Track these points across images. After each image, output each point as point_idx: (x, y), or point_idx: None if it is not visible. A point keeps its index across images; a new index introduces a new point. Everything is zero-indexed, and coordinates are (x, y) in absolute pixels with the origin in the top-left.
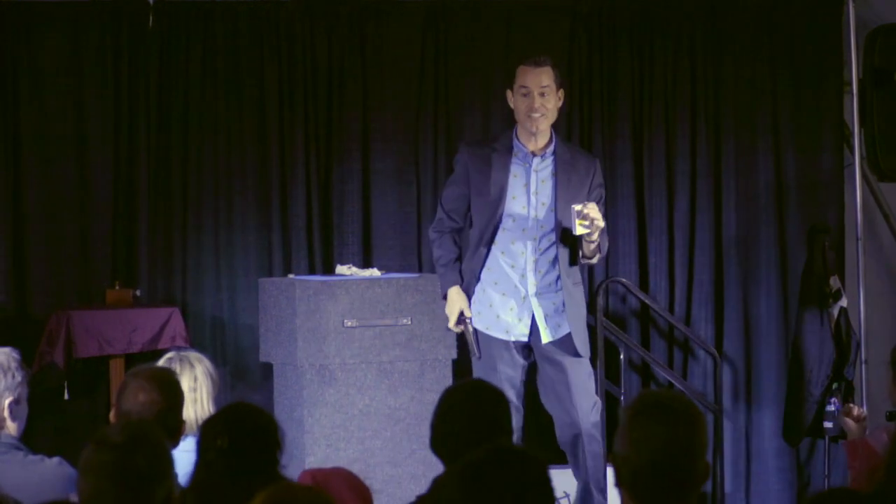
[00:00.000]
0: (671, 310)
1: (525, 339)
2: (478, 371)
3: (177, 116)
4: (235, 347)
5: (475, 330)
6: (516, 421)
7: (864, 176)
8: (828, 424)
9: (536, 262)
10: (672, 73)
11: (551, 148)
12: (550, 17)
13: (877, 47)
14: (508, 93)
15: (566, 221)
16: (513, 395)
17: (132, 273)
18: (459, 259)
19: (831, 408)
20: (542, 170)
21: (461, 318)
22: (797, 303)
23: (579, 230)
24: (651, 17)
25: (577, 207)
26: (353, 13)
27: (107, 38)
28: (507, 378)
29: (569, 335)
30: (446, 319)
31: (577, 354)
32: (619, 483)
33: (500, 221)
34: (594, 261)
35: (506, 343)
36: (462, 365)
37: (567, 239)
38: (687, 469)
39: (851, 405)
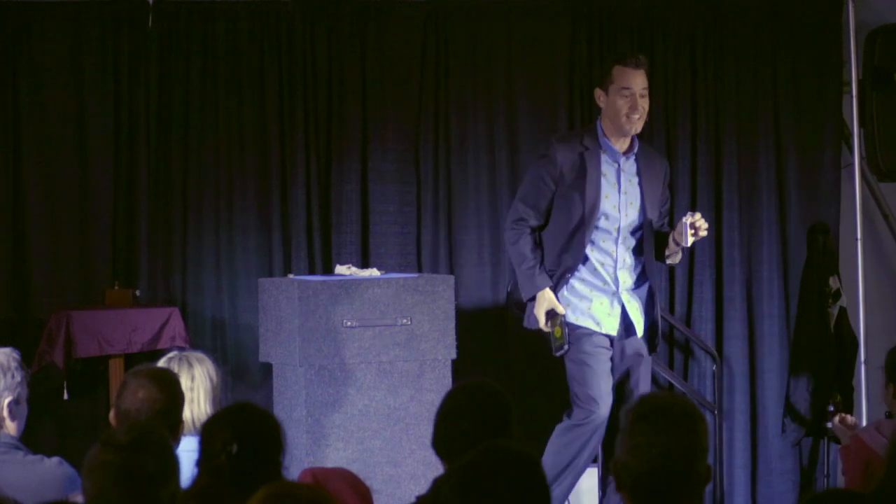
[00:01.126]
0: (671, 310)
1: (615, 332)
2: (571, 364)
3: (177, 116)
4: (235, 347)
5: (567, 323)
6: (603, 413)
7: (863, 176)
8: (828, 425)
9: (626, 259)
10: (672, 72)
11: (635, 148)
12: (551, 17)
13: (877, 47)
14: (599, 91)
15: (652, 221)
16: (609, 384)
17: (132, 273)
18: (543, 261)
19: (831, 408)
20: (629, 169)
21: (552, 314)
22: (797, 303)
23: (690, 241)
24: (651, 17)
25: (688, 220)
26: (354, 13)
27: (107, 38)
28: (604, 370)
29: (648, 330)
30: (446, 316)
31: (651, 349)
32: (619, 488)
33: (597, 220)
34: (677, 261)
35: (598, 335)
36: (462, 365)
37: (650, 238)
38: (688, 473)
39: (844, 415)
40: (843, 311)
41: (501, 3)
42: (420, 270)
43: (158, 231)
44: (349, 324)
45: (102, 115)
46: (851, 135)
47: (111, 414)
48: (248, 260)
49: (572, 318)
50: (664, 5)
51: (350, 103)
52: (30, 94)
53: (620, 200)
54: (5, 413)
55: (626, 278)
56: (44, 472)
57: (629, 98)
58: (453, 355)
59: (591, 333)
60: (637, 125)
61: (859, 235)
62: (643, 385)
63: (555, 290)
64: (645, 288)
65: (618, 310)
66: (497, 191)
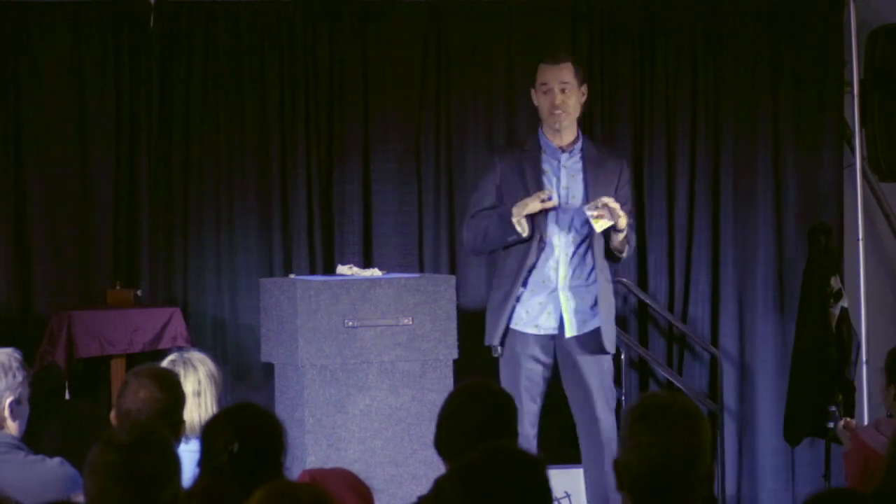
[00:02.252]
0: (671, 309)
1: (553, 332)
2: (503, 367)
3: (178, 117)
4: (236, 347)
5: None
6: (532, 419)
7: (865, 176)
8: (829, 425)
9: (570, 256)
10: (673, 73)
11: (578, 145)
12: (551, 17)
13: (878, 47)
14: (532, 92)
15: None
16: (534, 391)
17: (133, 273)
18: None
19: (832, 408)
20: (571, 165)
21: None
22: (798, 303)
23: (599, 225)
24: (652, 17)
25: (587, 208)
26: (354, 13)
27: (108, 38)
28: (530, 374)
29: (595, 331)
30: (448, 316)
31: (601, 351)
32: (620, 488)
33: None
34: (624, 255)
35: (534, 337)
36: (463, 365)
37: (599, 236)
38: (688, 473)
39: (849, 419)
40: (844, 311)
41: (502, 2)
42: (422, 270)
43: (159, 231)
44: (350, 324)
45: (103, 116)
46: (853, 135)
47: (112, 414)
48: (249, 260)
49: (511, 323)
50: (664, 5)
51: (351, 103)
52: (30, 94)
53: (561, 195)
54: (7, 413)
55: (570, 275)
56: (45, 472)
57: (548, 94)
58: (455, 355)
59: (528, 335)
60: (561, 119)
61: (861, 235)
62: (594, 387)
63: (514, 287)
64: (593, 288)
65: (556, 308)
66: None
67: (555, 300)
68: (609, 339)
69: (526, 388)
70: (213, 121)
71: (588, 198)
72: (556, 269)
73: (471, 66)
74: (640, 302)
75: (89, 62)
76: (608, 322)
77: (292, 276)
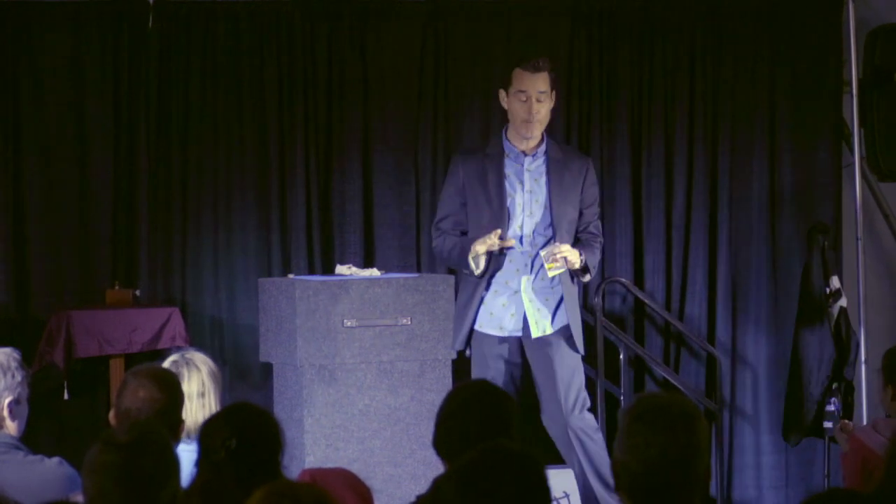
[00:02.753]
0: (668, 308)
1: (518, 333)
2: (473, 368)
3: (177, 117)
4: (235, 347)
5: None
6: None
7: (864, 176)
8: (827, 424)
9: (532, 258)
10: (671, 73)
11: (542, 147)
12: (550, 17)
13: (877, 47)
14: (501, 92)
15: (562, 221)
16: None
17: (132, 273)
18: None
19: (831, 408)
20: (535, 169)
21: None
22: (796, 302)
23: (553, 273)
24: (651, 17)
25: (544, 257)
26: (354, 13)
27: (107, 38)
28: (498, 375)
29: (560, 331)
30: (447, 316)
31: (569, 350)
32: (618, 488)
33: (508, 221)
34: (586, 279)
35: (500, 339)
36: (462, 365)
37: (566, 238)
38: (686, 473)
39: (846, 421)
40: (843, 310)
41: (501, 2)
42: (420, 270)
43: (158, 231)
44: (349, 324)
45: (102, 115)
46: (851, 134)
47: (111, 414)
48: (247, 260)
49: (476, 325)
50: (664, 5)
51: (350, 103)
52: (30, 93)
53: (525, 199)
54: (5, 413)
55: (533, 277)
56: (44, 472)
57: (525, 102)
58: (454, 355)
59: (494, 337)
60: (534, 129)
61: (860, 235)
62: (562, 385)
63: (476, 295)
64: (557, 289)
65: (519, 309)
66: None
67: (517, 302)
68: (578, 339)
69: None
70: (212, 120)
71: (551, 201)
72: (519, 272)
73: (470, 66)
74: (637, 301)
75: (88, 62)
76: (575, 322)
77: (291, 275)
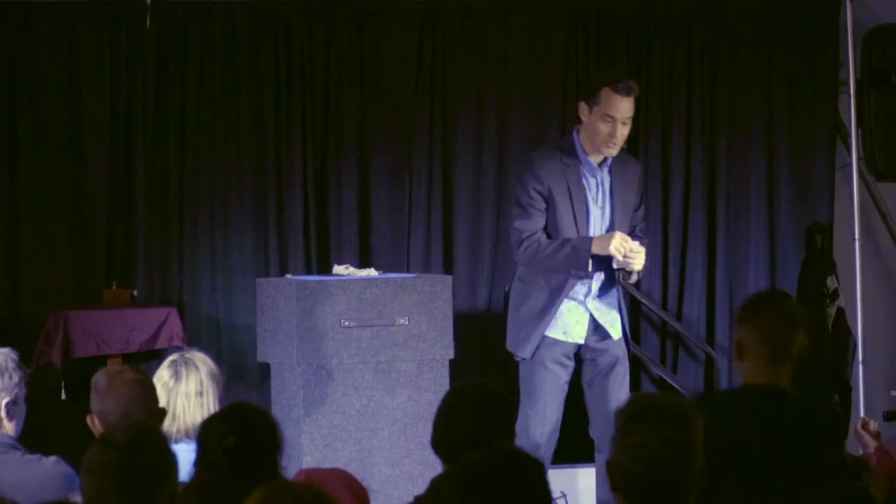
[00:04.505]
0: (664, 306)
1: (582, 340)
2: (524, 370)
3: (174, 116)
4: (232, 347)
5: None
6: (553, 420)
7: (861, 176)
8: None
9: (595, 266)
10: (669, 73)
11: (609, 160)
12: (548, 16)
13: (874, 47)
14: (582, 105)
15: (622, 230)
16: (560, 397)
17: (129, 273)
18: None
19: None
20: (605, 182)
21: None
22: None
23: (635, 278)
24: (648, 16)
25: (617, 266)
26: (351, 13)
27: (104, 37)
28: (553, 378)
29: (618, 340)
30: (444, 316)
31: (622, 357)
32: (613, 488)
33: (588, 231)
34: (633, 280)
35: (561, 344)
36: (459, 365)
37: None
38: (681, 473)
39: (868, 419)
40: (840, 310)
41: (498, 2)
42: (418, 270)
43: (155, 231)
44: (347, 324)
45: (99, 115)
46: (849, 135)
47: (88, 418)
48: (244, 260)
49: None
50: (661, 5)
51: (347, 103)
52: (27, 93)
53: (596, 213)
54: (3, 413)
55: (599, 285)
56: (42, 471)
57: (610, 124)
58: (451, 355)
59: (556, 341)
60: (613, 151)
61: (857, 235)
62: (619, 389)
63: (554, 304)
64: (615, 298)
65: (586, 317)
66: (494, 190)
67: (584, 309)
68: (628, 344)
69: (551, 392)
70: (209, 120)
71: (614, 213)
72: (589, 282)
73: (467, 65)
74: (634, 300)
75: (86, 61)
76: (626, 328)
77: (288, 275)
